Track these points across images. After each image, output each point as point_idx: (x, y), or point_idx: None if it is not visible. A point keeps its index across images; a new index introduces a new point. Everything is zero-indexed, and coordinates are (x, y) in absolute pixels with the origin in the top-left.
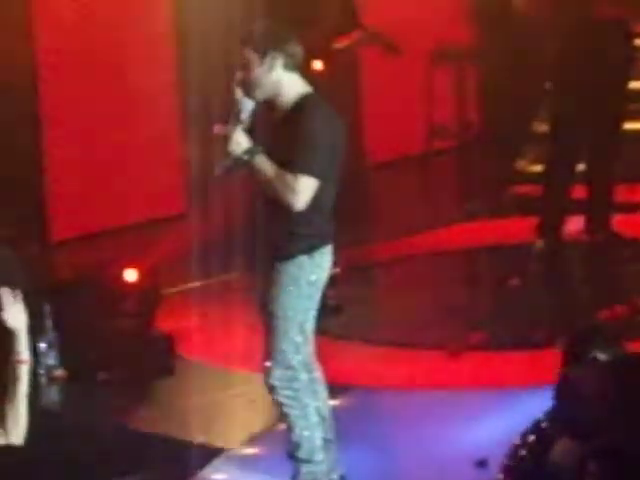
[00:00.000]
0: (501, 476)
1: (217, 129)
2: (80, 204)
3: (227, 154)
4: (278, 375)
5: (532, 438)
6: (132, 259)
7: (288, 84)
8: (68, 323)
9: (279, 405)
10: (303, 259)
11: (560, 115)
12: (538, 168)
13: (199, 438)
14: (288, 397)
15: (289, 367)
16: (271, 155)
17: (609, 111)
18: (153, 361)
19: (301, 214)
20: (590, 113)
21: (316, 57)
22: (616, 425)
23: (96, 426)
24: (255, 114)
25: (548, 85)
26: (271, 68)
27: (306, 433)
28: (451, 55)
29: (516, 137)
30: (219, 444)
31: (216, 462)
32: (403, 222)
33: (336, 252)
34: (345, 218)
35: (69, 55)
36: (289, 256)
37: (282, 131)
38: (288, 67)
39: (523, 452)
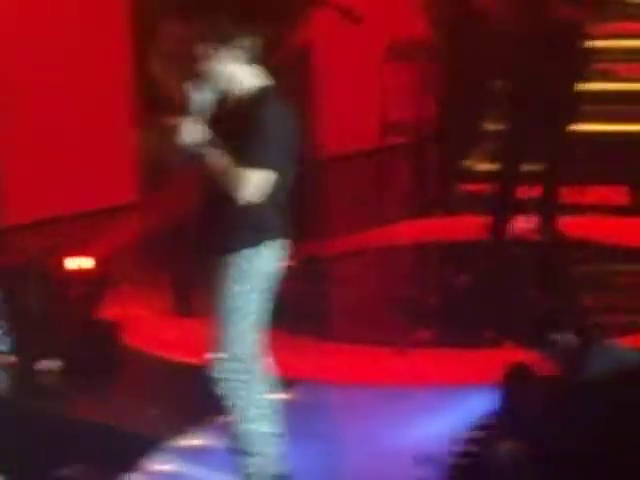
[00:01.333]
0: (445, 473)
1: (168, 120)
2: (31, 190)
3: (177, 145)
4: (226, 367)
5: (477, 436)
6: (81, 247)
7: (241, 77)
8: (16, 309)
9: (225, 397)
10: (251, 252)
11: (510, 114)
12: (487, 166)
13: (153, 411)
14: (235, 389)
15: (237, 359)
16: (223, 147)
17: (562, 112)
18: (98, 348)
19: (250, 206)
20: (541, 113)
21: (270, 49)
22: (560, 430)
23: (41, 413)
24: (209, 106)
25: (501, 84)
26: (223, 62)
27: (252, 426)
28: (406, 50)
29: (466, 135)
30: (163, 435)
31: (160, 453)
32: (354, 217)
33: (289, 245)
34: (297, 211)
35: (21, 39)
36: (237, 248)
37: (234, 123)
38: (241, 60)
39: (467, 450)
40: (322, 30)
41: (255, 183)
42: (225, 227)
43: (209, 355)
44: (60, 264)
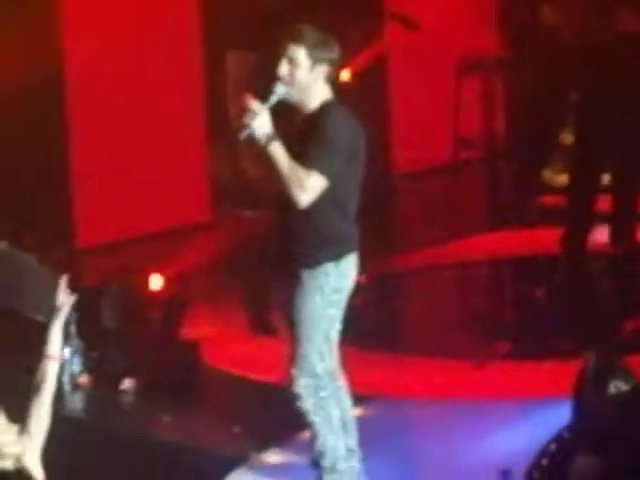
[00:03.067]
0: None
1: (248, 100)
2: (107, 211)
3: (245, 126)
4: (303, 383)
5: (554, 449)
6: (158, 266)
7: (319, 91)
8: (93, 330)
9: (303, 413)
10: (329, 266)
11: (586, 126)
12: (564, 179)
13: (235, 429)
14: (313, 405)
15: (314, 375)
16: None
17: (636, 122)
18: (178, 369)
19: (327, 220)
20: (616, 124)
21: (344, 66)
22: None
23: (119, 434)
24: (283, 102)
25: (575, 96)
26: (317, 77)
27: (330, 441)
28: (478, 65)
29: (543, 148)
30: (242, 453)
31: (238, 470)
32: (429, 232)
33: (362, 260)
34: (372, 227)
35: (96, 61)
36: (315, 263)
37: (300, 134)
38: (328, 77)
39: (545, 463)
40: (396, 46)
41: (312, 187)
42: (303, 242)
43: (288, 371)
44: (138, 284)
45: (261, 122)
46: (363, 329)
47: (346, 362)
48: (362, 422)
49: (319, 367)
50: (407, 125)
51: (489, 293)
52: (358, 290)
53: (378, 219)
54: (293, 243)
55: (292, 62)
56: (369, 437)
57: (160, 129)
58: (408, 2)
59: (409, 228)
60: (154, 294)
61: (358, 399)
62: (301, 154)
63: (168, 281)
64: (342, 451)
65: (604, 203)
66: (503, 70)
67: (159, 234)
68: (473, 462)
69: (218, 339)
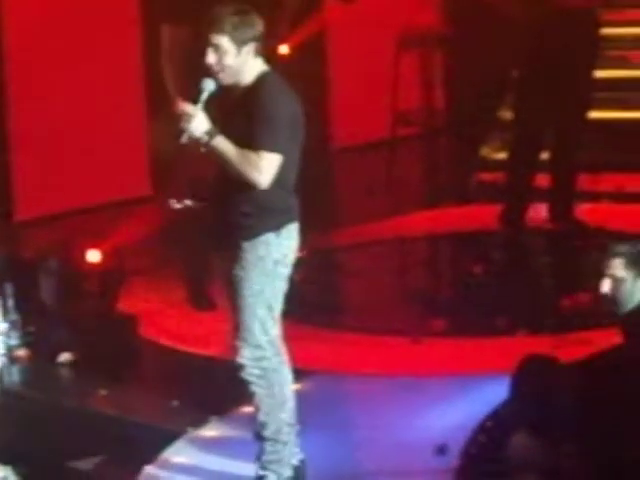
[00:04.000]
0: (460, 462)
1: (180, 105)
2: (44, 184)
3: (183, 131)
4: (246, 354)
5: (491, 425)
6: (95, 240)
7: (251, 67)
8: (30, 303)
9: (247, 384)
10: (270, 237)
11: (525, 103)
12: (503, 155)
13: (174, 402)
14: (256, 376)
15: (257, 346)
16: (227, 134)
17: (574, 99)
18: (116, 342)
19: (265, 191)
20: (555, 101)
21: (281, 40)
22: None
23: (57, 407)
24: (213, 94)
25: (514, 73)
26: (246, 57)
27: (272, 412)
28: (418, 40)
29: (482, 124)
30: (180, 426)
31: (178, 444)
32: (367, 208)
33: (301, 235)
34: (309, 202)
35: (35, 32)
36: (256, 234)
37: (238, 109)
38: (256, 53)
39: (482, 439)
40: (335, 19)
41: (267, 167)
42: (242, 213)
43: (231, 343)
44: (75, 258)
45: (197, 122)
46: (303, 304)
47: (286, 336)
48: (300, 396)
49: (263, 339)
50: (346, 99)
51: (428, 269)
52: (298, 265)
53: (317, 193)
54: (233, 214)
55: (217, 50)
56: (307, 411)
57: (99, 102)
58: None
59: (348, 203)
60: (92, 268)
61: (297, 373)
62: (243, 128)
63: (106, 255)
64: (284, 423)
65: (542, 180)
66: (443, 46)
67: (97, 207)
68: (410, 437)
69: (156, 313)
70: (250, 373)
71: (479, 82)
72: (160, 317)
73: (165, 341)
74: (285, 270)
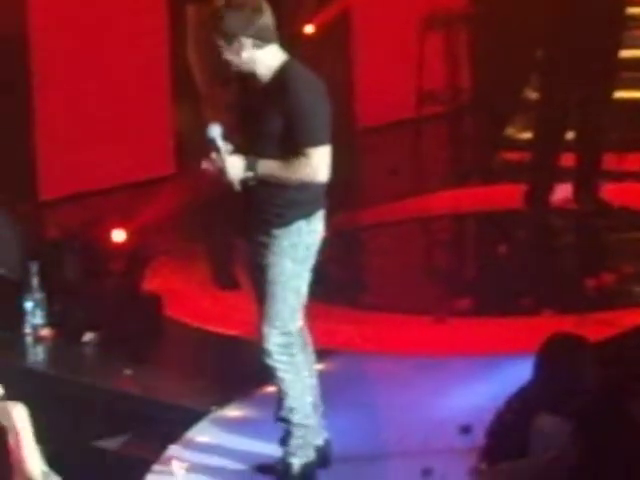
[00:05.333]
0: (485, 442)
1: (205, 165)
2: (69, 163)
3: (231, 182)
4: (276, 340)
5: (515, 406)
6: (120, 219)
7: (262, 59)
8: (55, 282)
9: (273, 369)
10: (301, 224)
11: (550, 82)
12: (528, 135)
13: (197, 382)
14: (284, 362)
15: (287, 333)
16: (256, 124)
17: (600, 79)
18: (140, 322)
19: (299, 186)
20: (580, 81)
21: (307, 20)
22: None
23: (82, 386)
24: (225, 133)
25: (539, 52)
26: (240, 50)
27: (301, 398)
28: (444, 20)
29: (506, 104)
30: (204, 406)
31: (201, 424)
32: (392, 187)
33: (325, 216)
34: (334, 181)
35: (61, 15)
36: (288, 222)
37: (266, 99)
38: (259, 44)
39: (506, 419)
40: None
41: (318, 162)
42: (275, 205)
43: (258, 328)
44: (100, 237)
45: (232, 169)
46: (326, 284)
47: (310, 316)
48: (324, 377)
49: (292, 325)
50: (371, 78)
51: (452, 249)
52: (322, 245)
53: (341, 172)
54: (265, 205)
55: (228, 49)
56: (331, 391)
57: (124, 81)
58: None
59: (372, 182)
60: (117, 247)
61: (320, 354)
62: (275, 122)
63: (131, 234)
64: (307, 406)
65: (568, 160)
66: (468, 25)
67: (123, 187)
68: (434, 417)
69: (180, 292)
70: (278, 360)
71: (504, 61)
72: (185, 296)
73: (190, 320)
74: (313, 256)
